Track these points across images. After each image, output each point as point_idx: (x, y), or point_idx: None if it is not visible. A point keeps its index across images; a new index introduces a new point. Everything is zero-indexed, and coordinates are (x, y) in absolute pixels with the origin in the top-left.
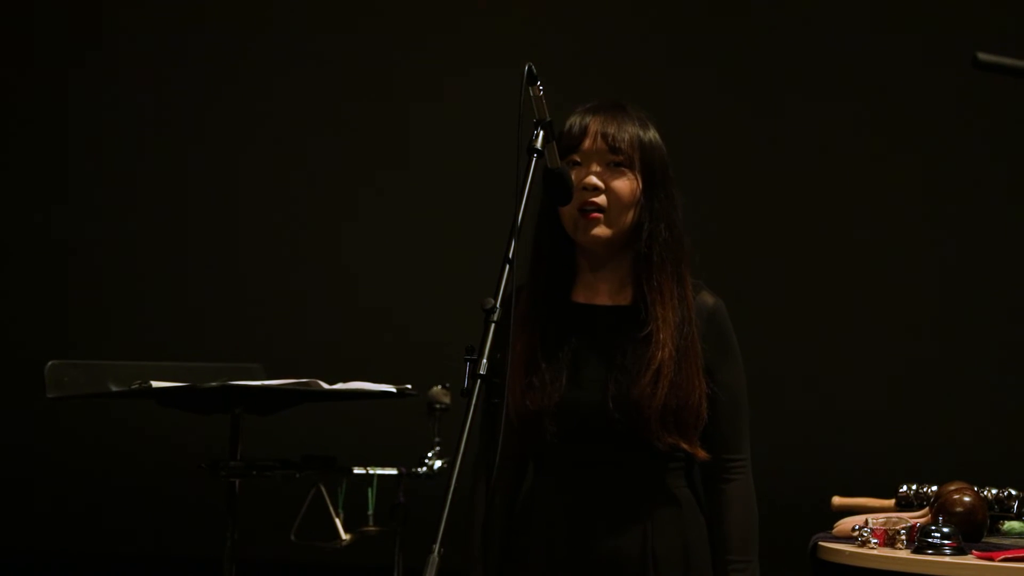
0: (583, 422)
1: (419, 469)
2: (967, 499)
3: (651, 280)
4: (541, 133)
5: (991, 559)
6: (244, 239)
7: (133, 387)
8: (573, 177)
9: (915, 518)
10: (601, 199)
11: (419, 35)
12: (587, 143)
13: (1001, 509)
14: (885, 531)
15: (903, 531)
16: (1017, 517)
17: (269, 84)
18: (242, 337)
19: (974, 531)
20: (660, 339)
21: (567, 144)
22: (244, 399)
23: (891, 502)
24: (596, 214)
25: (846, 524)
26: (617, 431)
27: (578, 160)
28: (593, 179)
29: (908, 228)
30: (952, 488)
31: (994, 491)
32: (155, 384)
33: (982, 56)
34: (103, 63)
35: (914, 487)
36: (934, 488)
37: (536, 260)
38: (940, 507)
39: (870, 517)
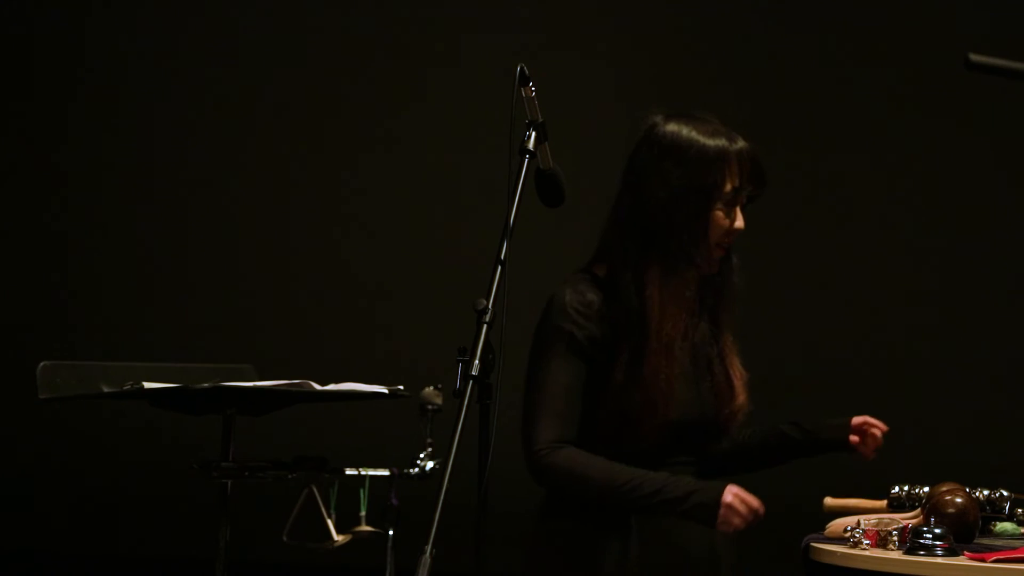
0: (692, 432)
1: (411, 470)
2: (959, 500)
3: (721, 299)
4: (533, 134)
5: (983, 560)
6: (238, 240)
7: (125, 388)
8: (728, 218)
9: (907, 519)
10: None
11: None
12: (751, 189)
13: (993, 510)
14: (877, 532)
15: (895, 532)
16: (1009, 518)
17: (260, 82)
18: (234, 338)
19: (966, 532)
20: (733, 350)
21: (735, 175)
22: (236, 400)
23: (883, 503)
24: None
25: (838, 525)
26: (705, 440)
27: (741, 203)
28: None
29: (900, 228)
30: (944, 489)
31: (986, 492)
32: (147, 385)
33: (973, 57)
34: (88, 60)
35: (906, 488)
36: (926, 489)
37: (685, 263)
38: (932, 508)
39: (862, 518)
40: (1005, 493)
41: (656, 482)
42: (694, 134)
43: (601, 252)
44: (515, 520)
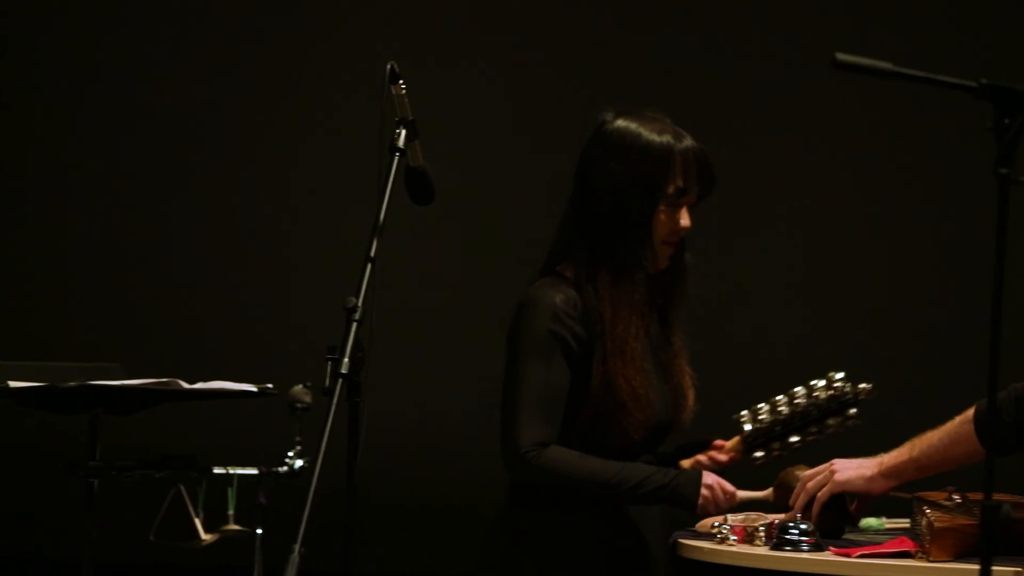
0: (657, 433)
1: (280, 469)
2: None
3: (672, 299)
4: (404, 132)
5: (848, 556)
6: (110, 238)
7: None
8: (673, 217)
9: (765, 497)
10: None
11: None
12: (698, 189)
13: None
14: (744, 528)
15: (762, 528)
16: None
17: (131, 80)
18: (103, 337)
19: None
20: (684, 351)
21: (680, 175)
22: (103, 399)
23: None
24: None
25: (707, 521)
26: (662, 440)
27: (687, 203)
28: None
29: (881, 227)
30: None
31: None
32: (12, 384)
33: (840, 57)
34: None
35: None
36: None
37: (632, 265)
38: (781, 484)
39: (729, 515)
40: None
41: (639, 472)
42: (641, 131)
43: (559, 251)
44: (386, 515)
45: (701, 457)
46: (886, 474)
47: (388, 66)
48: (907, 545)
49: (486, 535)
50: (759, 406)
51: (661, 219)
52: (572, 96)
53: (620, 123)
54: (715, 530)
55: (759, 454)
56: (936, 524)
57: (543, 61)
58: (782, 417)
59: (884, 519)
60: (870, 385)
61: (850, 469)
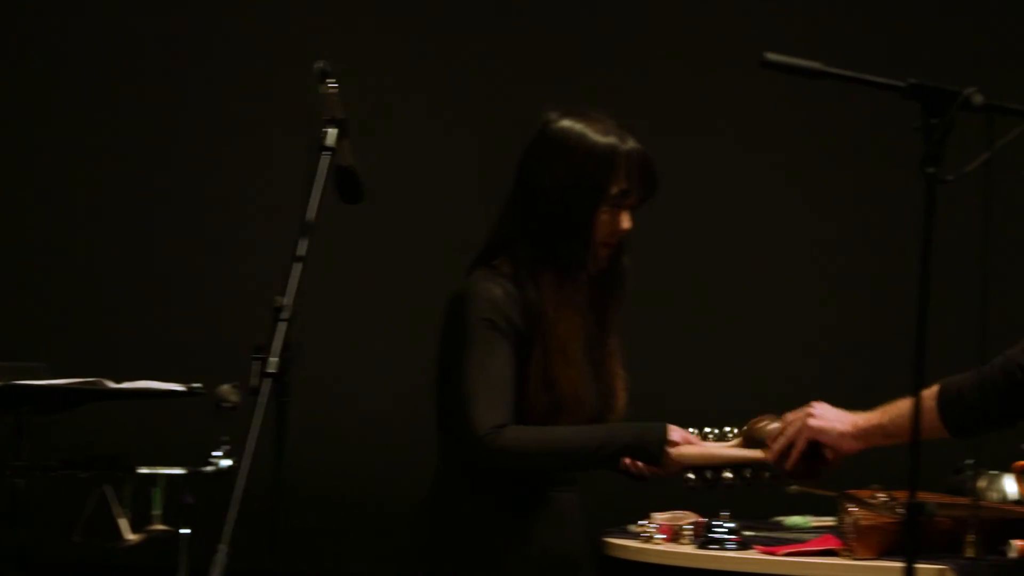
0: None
1: (206, 468)
2: (773, 426)
3: (610, 301)
4: (333, 131)
5: (773, 554)
6: (33, 237)
7: None
8: (614, 219)
9: (729, 447)
10: None
11: None
12: (640, 192)
13: None
14: (671, 526)
15: (688, 526)
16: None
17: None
18: (29, 336)
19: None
20: (618, 353)
21: (623, 177)
22: (29, 399)
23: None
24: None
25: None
26: None
27: (629, 205)
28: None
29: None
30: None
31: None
32: None
33: (769, 56)
34: None
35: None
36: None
37: (576, 266)
38: (747, 435)
39: (656, 513)
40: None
41: (600, 433)
42: (586, 132)
43: (497, 246)
44: (315, 513)
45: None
46: (855, 436)
47: (318, 65)
48: (832, 543)
49: (408, 530)
50: (701, 432)
51: (602, 220)
52: (503, 94)
53: (565, 123)
54: (641, 528)
55: (691, 476)
56: (861, 522)
57: (474, 57)
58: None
59: (810, 517)
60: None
61: (826, 418)
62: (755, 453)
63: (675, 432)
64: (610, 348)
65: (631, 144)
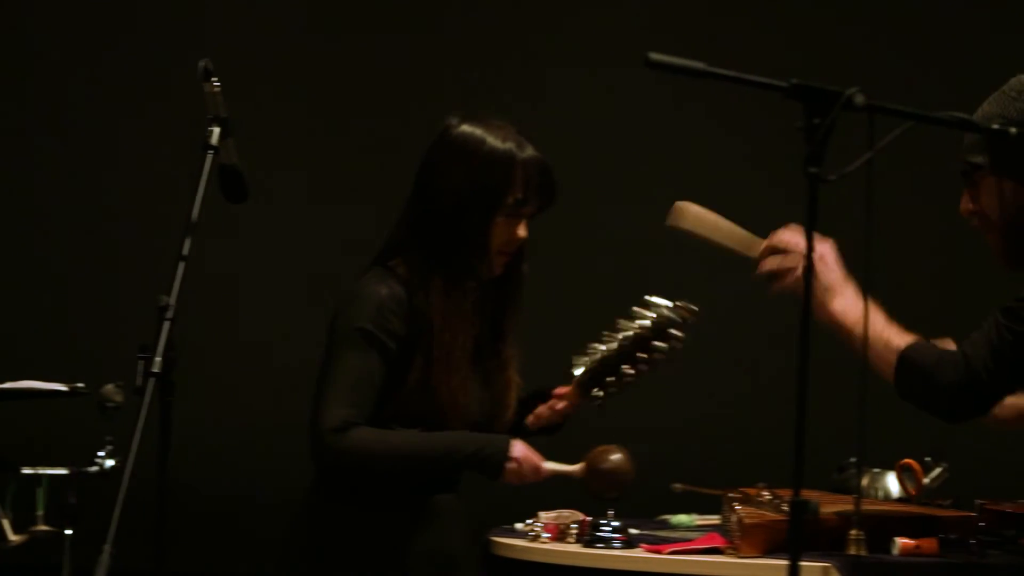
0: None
1: (90, 468)
2: (614, 456)
3: (505, 308)
4: (217, 130)
5: (659, 552)
6: None
7: None
8: (510, 227)
9: (572, 472)
10: None
11: None
12: (537, 201)
13: None
14: (557, 525)
15: (574, 525)
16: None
17: None
18: None
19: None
20: (513, 360)
21: (520, 186)
22: None
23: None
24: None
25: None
26: None
27: (525, 214)
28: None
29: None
30: (601, 448)
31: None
32: None
33: (653, 56)
34: None
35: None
36: None
37: (466, 274)
38: (589, 462)
39: (542, 512)
40: None
41: (445, 442)
42: (485, 138)
43: (394, 246)
44: (200, 513)
45: (542, 408)
46: (831, 307)
47: (201, 64)
48: (717, 541)
49: (286, 529)
50: (589, 347)
51: (498, 229)
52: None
53: (464, 128)
54: (527, 527)
55: (598, 393)
56: (746, 520)
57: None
58: (610, 352)
59: (695, 515)
60: (690, 304)
61: (829, 271)
62: (574, 468)
63: (517, 448)
64: (506, 356)
65: (529, 152)
